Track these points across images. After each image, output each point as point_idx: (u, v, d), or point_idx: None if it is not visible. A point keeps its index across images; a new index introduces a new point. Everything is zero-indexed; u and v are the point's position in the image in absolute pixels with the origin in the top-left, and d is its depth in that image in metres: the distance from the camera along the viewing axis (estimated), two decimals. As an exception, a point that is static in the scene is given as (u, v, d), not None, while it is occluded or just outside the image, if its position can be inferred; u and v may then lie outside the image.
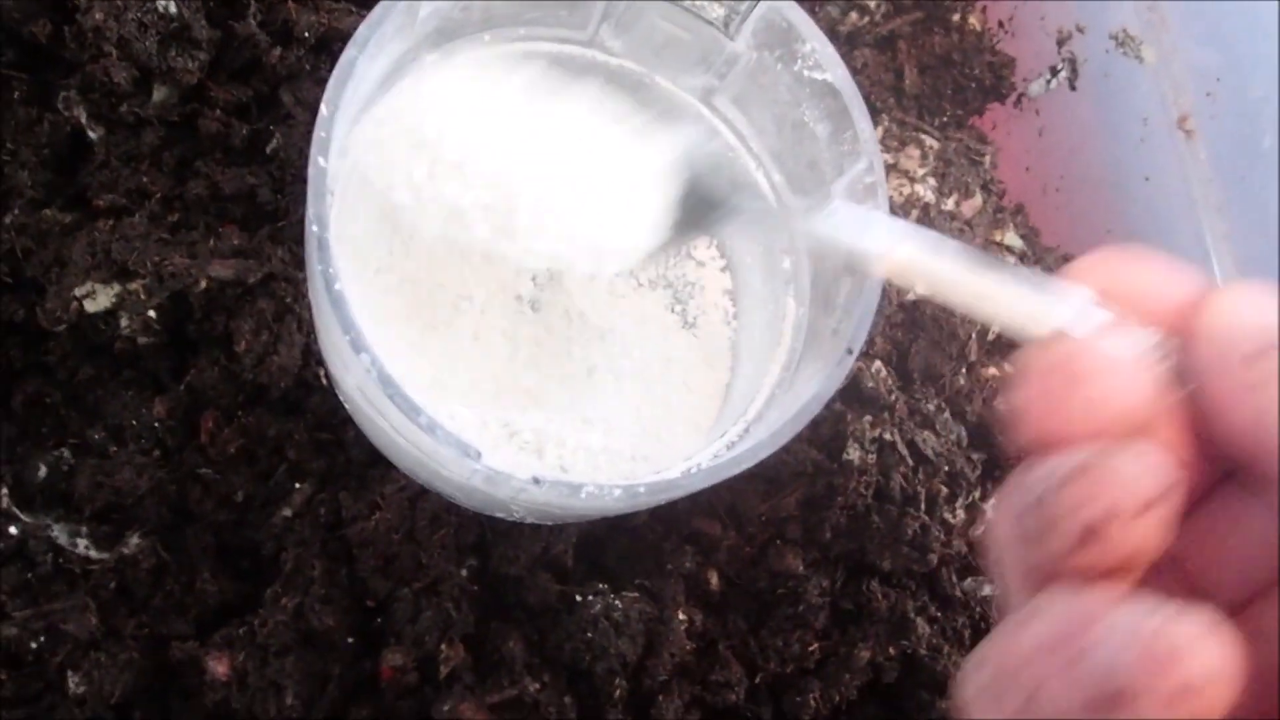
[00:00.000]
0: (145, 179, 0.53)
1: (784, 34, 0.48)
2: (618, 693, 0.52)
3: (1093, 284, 0.32)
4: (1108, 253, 0.33)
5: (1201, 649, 0.24)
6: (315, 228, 0.40)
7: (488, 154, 0.46)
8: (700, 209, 0.50)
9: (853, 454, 0.56)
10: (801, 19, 0.47)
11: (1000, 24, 0.77)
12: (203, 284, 0.48)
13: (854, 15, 0.72)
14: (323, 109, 0.41)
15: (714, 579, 0.56)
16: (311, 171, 0.41)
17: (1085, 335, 0.30)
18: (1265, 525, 0.30)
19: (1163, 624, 0.24)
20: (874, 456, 0.56)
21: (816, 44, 0.47)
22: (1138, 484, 0.27)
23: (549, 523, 0.53)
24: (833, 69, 0.47)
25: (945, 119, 0.75)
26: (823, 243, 0.44)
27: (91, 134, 0.53)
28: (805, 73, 0.48)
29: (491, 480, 0.41)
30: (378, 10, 0.44)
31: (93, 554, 0.46)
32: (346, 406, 0.50)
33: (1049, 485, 0.28)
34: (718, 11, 0.48)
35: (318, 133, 0.41)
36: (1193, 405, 0.30)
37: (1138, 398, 0.29)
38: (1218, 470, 0.31)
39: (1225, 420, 0.29)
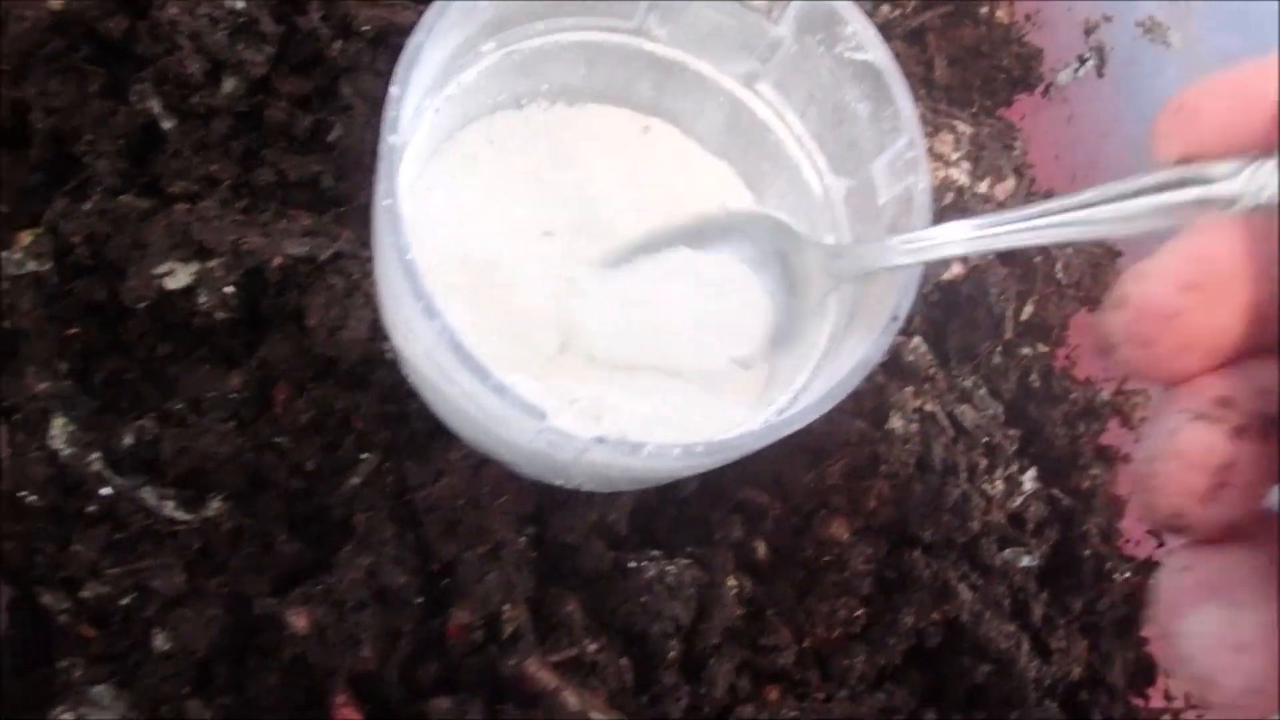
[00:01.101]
0: (215, 167, 0.56)
1: (826, 17, 0.50)
2: (671, 654, 0.54)
3: (1170, 152, 0.32)
4: (1163, 119, 0.32)
5: None
6: (388, 200, 0.42)
7: None
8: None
9: (895, 423, 0.58)
10: (843, 2, 0.49)
11: (1027, 16, 0.79)
12: (277, 260, 0.51)
13: (885, 8, 0.74)
14: (392, 89, 0.44)
15: (761, 548, 0.58)
16: (382, 148, 0.43)
17: (1134, 295, 0.30)
18: None
19: None
20: (916, 426, 0.58)
21: (858, 26, 0.49)
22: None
23: (604, 489, 0.55)
24: (874, 50, 0.50)
25: (974, 110, 0.77)
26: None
27: (165, 124, 0.55)
28: (847, 55, 0.51)
29: (556, 441, 0.43)
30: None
31: (179, 515, 0.48)
32: (410, 378, 0.52)
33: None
34: (761, -2, 0.50)
35: (388, 111, 0.43)
36: None
37: (1216, 325, 0.30)
38: None
39: None
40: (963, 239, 0.44)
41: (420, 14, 0.58)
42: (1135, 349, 0.30)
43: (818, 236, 0.58)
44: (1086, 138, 0.77)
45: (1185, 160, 0.31)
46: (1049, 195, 0.74)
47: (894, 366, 0.61)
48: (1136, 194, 0.34)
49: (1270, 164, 0.30)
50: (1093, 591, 0.65)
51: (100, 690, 0.47)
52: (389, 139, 0.43)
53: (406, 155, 0.51)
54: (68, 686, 0.48)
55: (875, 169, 0.52)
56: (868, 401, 0.60)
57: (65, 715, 0.47)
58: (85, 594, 0.48)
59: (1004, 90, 0.78)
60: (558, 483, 0.53)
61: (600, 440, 0.43)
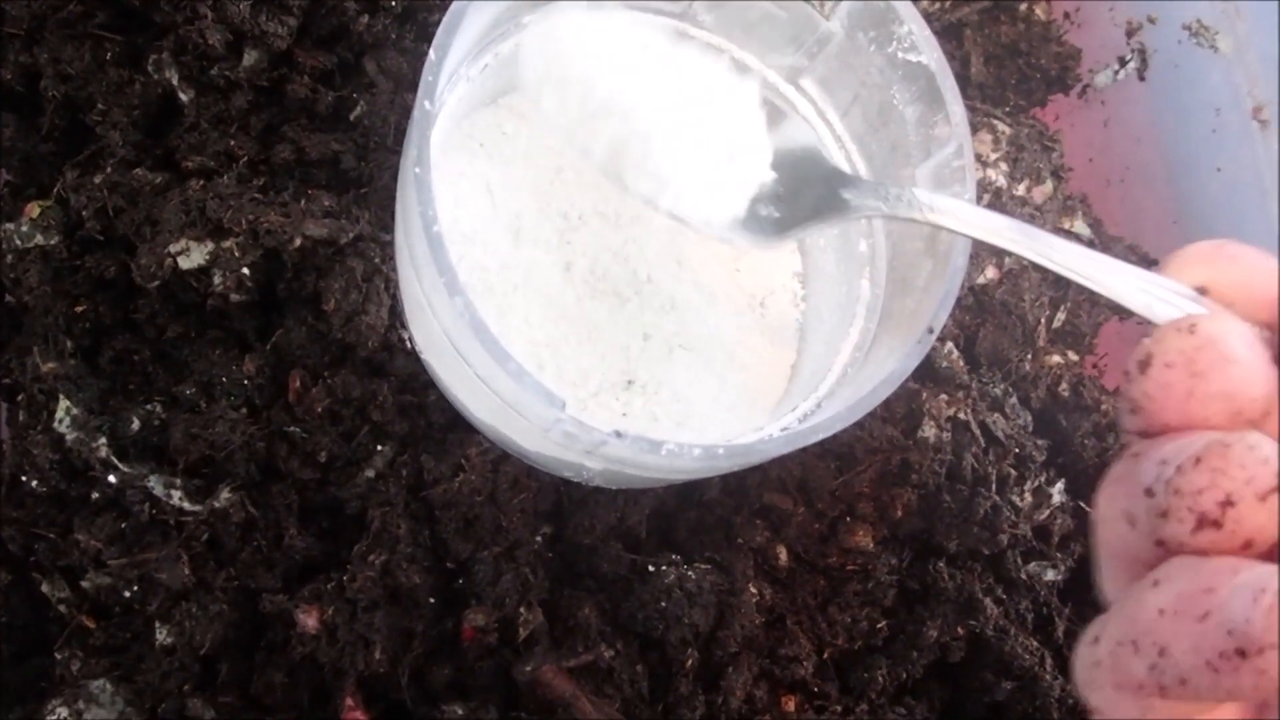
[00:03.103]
0: (233, 142, 0.54)
1: (881, 15, 0.48)
2: (689, 662, 0.52)
3: (1192, 277, 0.33)
4: (1204, 247, 0.34)
5: None
6: (418, 169, 0.40)
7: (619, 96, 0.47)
8: (793, 206, 0.51)
9: (928, 431, 0.56)
10: (900, 1, 0.47)
11: (1066, 15, 0.77)
12: (297, 242, 0.49)
13: (925, 2, 0.72)
14: (431, 54, 0.42)
15: (783, 554, 0.56)
16: (416, 114, 0.41)
17: (1209, 329, 0.30)
18: None
19: None
20: (949, 435, 0.57)
21: (914, 26, 0.48)
22: (1255, 473, 0.27)
23: (617, 486, 0.53)
24: (928, 52, 0.48)
25: (1008, 109, 0.75)
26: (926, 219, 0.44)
27: (183, 96, 0.53)
28: (899, 55, 0.49)
29: (573, 433, 0.41)
30: None
31: (186, 506, 0.46)
32: (425, 360, 0.50)
33: (1163, 473, 0.28)
34: (815, -10, 0.48)
35: (425, 77, 0.41)
36: None
37: (1258, 390, 0.29)
38: None
39: None
40: (1000, 232, 0.42)
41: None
42: (1182, 375, 0.30)
43: (851, 241, 0.56)
44: (1122, 142, 0.75)
45: (1202, 290, 0.33)
46: (1083, 199, 0.72)
47: (927, 372, 0.60)
48: (1150, 285, 0.35)
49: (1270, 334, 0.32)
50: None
51: (99, 684, 0.45)
52: (424, 104, 0.41)
53: (435, 124, 0.49)
54: (64, 679, 0.46)
55: (919, 175, 0.51)
56: (899, 408, 0.58)
57: (61, 710, 0.45)
58: (86, 584, 0.46)
59: (1039, 90, 0.76)
60: (568, 475, 0.51)
61: (619, 435, 0.41)
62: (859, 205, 0.47)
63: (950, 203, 0.44)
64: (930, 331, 0.46)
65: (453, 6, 0.42)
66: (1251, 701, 0.29)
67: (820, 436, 0.45)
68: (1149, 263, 0.72)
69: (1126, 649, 0.28)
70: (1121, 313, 0.71)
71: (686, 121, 0.49)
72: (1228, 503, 0.27)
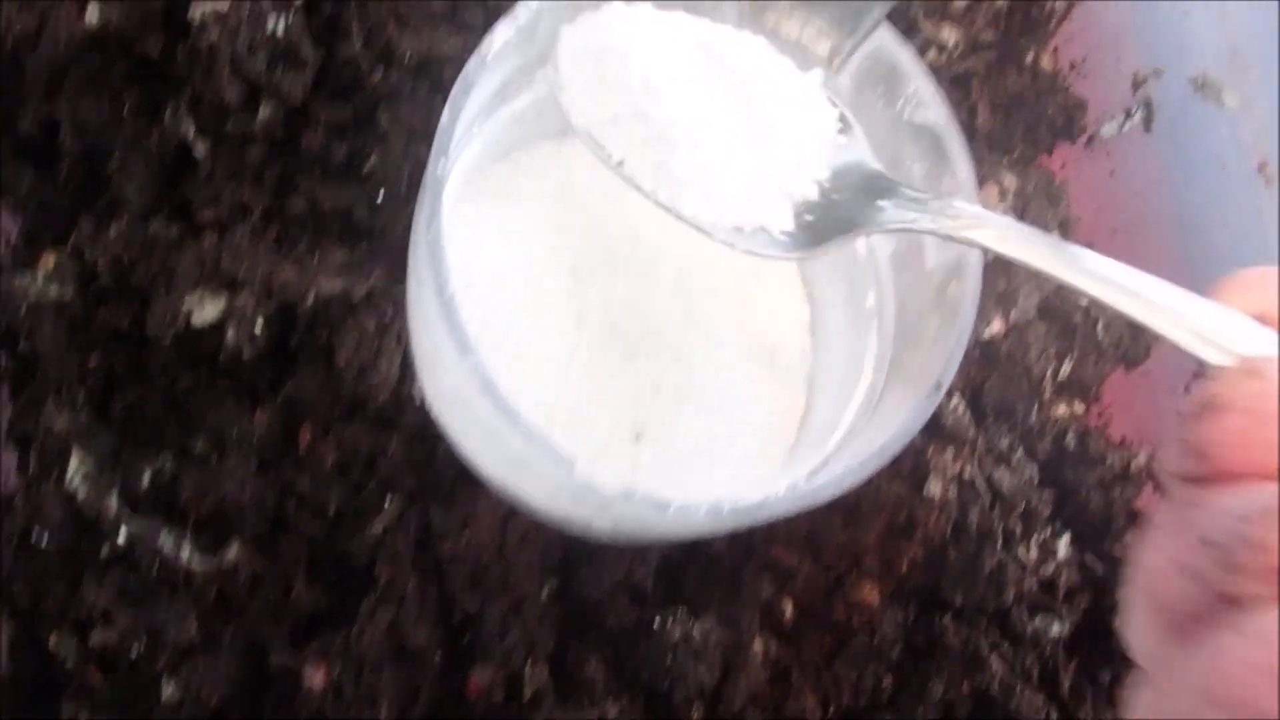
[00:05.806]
0: (247, 195, 0.54)
1: (888, 72, 0.48)
2: (695, 718, 0.52)
3: (1245, 304, 0.32)
4: (1254, 273, 0.33)
5: None
6: (430, 234, 0.41)
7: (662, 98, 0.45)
8: (826, 215, 0.48)
9: (934, 488, 0.56)
10: (908, 58, 0.48)
11: (1071, 65, 0.77)
12: (310, 298, 0.49)
13: (932, 53, 0.72)
14: (444, 116, 0.42)
15: (789, 609, 0.57)
16: (428, 179, 0.42)
17: (1274, 373, 0.29)
18: None
19: None
20: (954, 491, 0.57)
21: (920, 84, 0.48)
22: None
23: (626, 543, 0.53)
24: (935, 109, 0.48)
25: (1014, 157, 0.75)
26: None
27: (198, 148, 0.54)
28: (906, 112, 0.49)
29: (581, 494, 0.42)
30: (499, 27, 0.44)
31: (196, 562, 0.46)
32: (434, 412, 0.50)
33: (1224, 524, 0.27)
34: (824, 47, 0.49)
35: (438, 139, 0.42)
36: None
37: None
38: None
39: None
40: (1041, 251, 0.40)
41: (464, 42, 0.57)
42: (1244, 421, 0.28)
43: (859, 293, 0.56)
44: (1128, 193, 0.75)
45: (1258, 317, 0.32)
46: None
47: (933, 428, 0.60)
48: (1206, 313, 0.33)
49: None
50: (1122, 664, 0.63)
51: (106, 739, 0.46)
52: (436, 168, 0.42)
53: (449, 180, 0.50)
54: (72, 733, 0.46)
55: (927, 231, 0.51)
56: (906, 463, 0.58)
57: (68, 763, 0.45)
58: (94, 639, 0.46)
59: (1045, 139, 0.76)
60: (578, 532, 0.51)
61: (627, 496, 0.41)
62: (896, 217, 0.44)
63: (995, 218, 0.42)
64: (938, 388, 0.47)
65: (466, 67, 0.43)
66: None
67: (828, 496, 0.45)
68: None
69: (1203, 702, 0.26)
70: (1130, 362, 0.71)
71: (742, 122, 0.46)
72: None
